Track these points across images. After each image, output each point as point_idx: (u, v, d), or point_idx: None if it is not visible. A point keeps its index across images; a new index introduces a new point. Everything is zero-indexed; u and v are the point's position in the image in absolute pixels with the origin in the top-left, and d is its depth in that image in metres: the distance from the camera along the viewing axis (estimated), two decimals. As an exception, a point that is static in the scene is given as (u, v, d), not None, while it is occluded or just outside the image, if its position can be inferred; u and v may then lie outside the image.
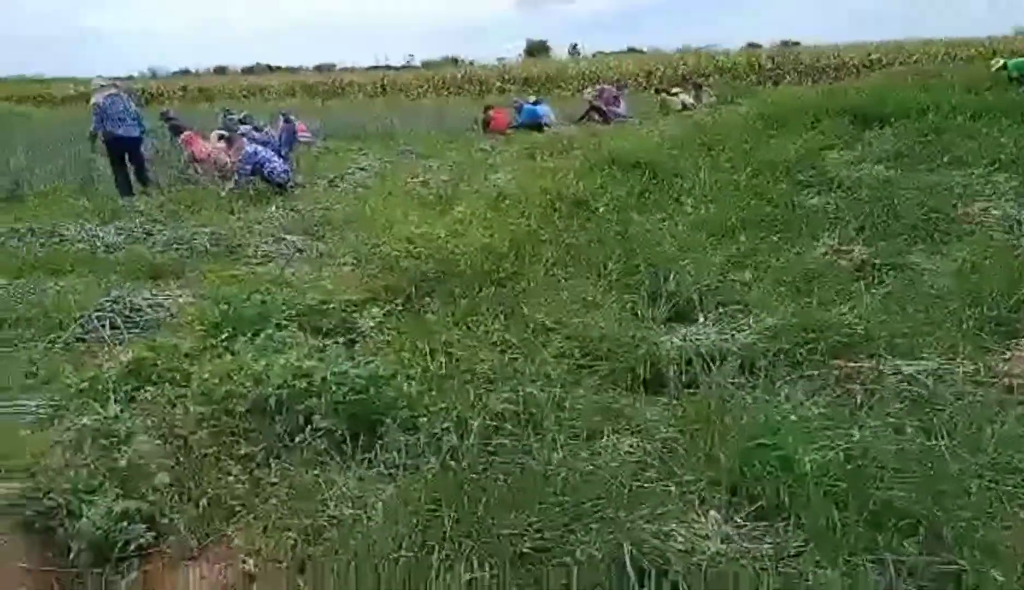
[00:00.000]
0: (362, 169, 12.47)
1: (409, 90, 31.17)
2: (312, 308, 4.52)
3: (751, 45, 45.42)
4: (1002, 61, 17.40)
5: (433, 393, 3.46)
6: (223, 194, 10.18)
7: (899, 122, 12.05)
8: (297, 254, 7.06)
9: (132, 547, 2.63)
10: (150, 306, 5.42)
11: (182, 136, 12.94)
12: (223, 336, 4.18)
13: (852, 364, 3.81)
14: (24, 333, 5.11)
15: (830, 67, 26.97)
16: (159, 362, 3.83)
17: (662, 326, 4.55)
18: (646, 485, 2.74)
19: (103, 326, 5.14)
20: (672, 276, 4.97)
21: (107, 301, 5.43)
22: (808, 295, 4.89)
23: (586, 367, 3.89)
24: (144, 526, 2.70)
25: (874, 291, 4.94)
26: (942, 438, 3.03)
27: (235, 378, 3.50)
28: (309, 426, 3.26)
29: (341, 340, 4.18)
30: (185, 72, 53.45)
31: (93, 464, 2.87)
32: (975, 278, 4.95)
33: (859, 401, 3.41)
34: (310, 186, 11.07)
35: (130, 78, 47.20)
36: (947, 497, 2.59)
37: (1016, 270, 4.86)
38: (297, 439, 3.23)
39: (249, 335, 4.18)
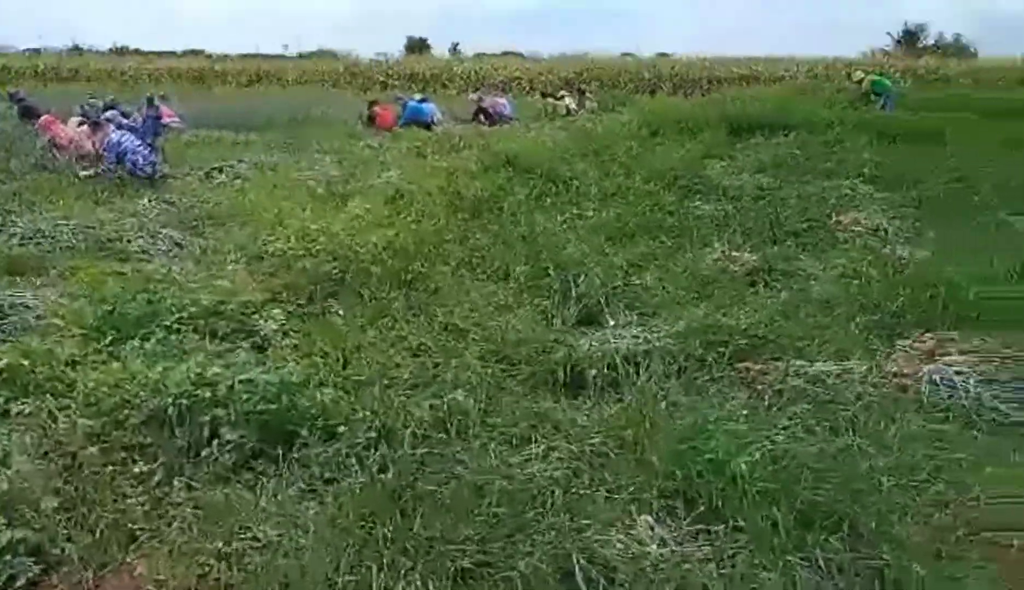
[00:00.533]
0: (241, 161, 11.82)
1: (287, 81, 30.01)
2: (207, 309, 4.20)
3: (625, 55, 47.05)
4: (861, 75, 18.78)
5: (351, 400, 3.28)
6: (81, 177, 9.41)
7: (772, 134, 12.80)
8: (176, 250, 6.60)
9: (19, 582, 2.32)
10: (11, 307, 4.87)
11: (40, 120, 11.86)
12: (106, 340, 3.81)
13: (758, 366, 3.95)
14: None
15: (703, 79, 28.25)
16: (35, 370, 3.43)
17: (573, 329, 4.56)
18: (582, 492, 2.70)
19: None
20: (581, 279, 4.99)
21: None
22: (707, 299, 5.05)
23: (505, 371, 3.82)
24: (31, 558, 2.39)
25: (768, 296, 5.16)
26: (849, 437, 3.19)
27: (127, 387, 3.19)
28: (216, 439, 3.01)
29: (243, 344, 3.91)
30: (35, 51, 49.20)
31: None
32: (856, 284, 5.28)
33: (767, 402, 3.53)
34: (183, 177, 10.40)
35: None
36: (863, 495, 2.71)
37: (891, 277, 5.23)
38: (203, 454, 2.97)
39: (137, 339, 3.84)
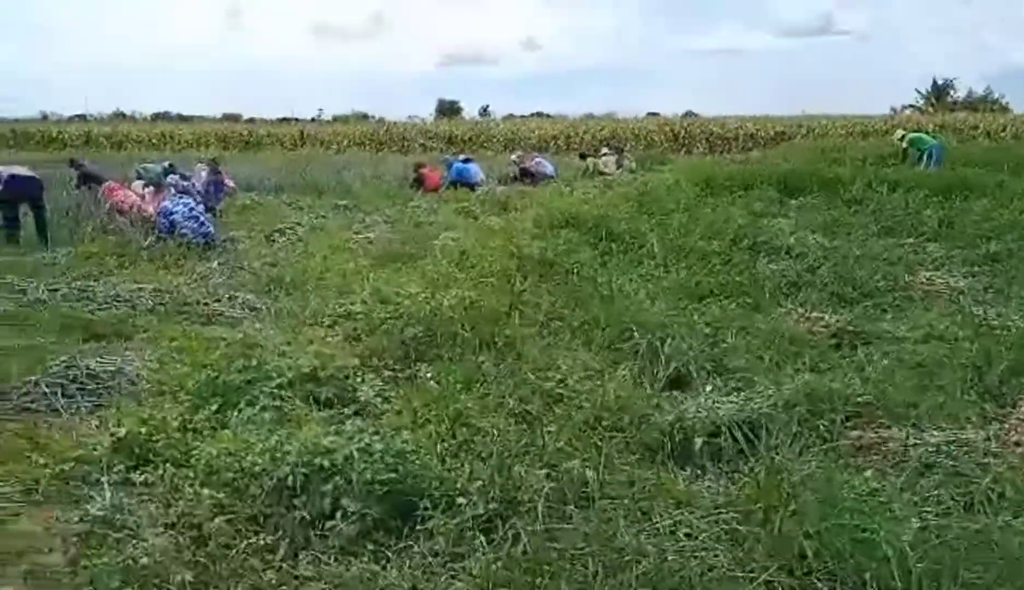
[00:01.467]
0: (298, 223, 12.07)
1: (329, 143, 30.79)
2: (305, 375, 4.21)
3: (651, 114, 47.61)
4: (901, 133, 18.70)
5: (468, 470, 3.23)
6: (145, 244, 9.65)
7: (820, 192, 12.77)
8: (253, 314, 6.67)
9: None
10: (105, 372, 4.94)
11: (104, 186, 12.23)
12: (213, 407, 3.82)
13: (870, 434, 3.83)
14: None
15: (737, 138, 28.44)
16: (152, 438, 3.44)
17: (664, 393, 4.49)
18: (722, 573, 2.60)
19: (54, 393, 4.65)
20: (667, 342, 4.93)
21: (55, 365, 4.92)
22: (796, 361, 4.95)
23: (612, 437, 3.75)
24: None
25: (858, 359, 5.04)
26: (986, 512, 3.05)
27: (244, 456, 3.18)
28: (339, 511, 2.97)
29: (345, 410, 3.90)
30: (81, 117, 51.22)
31: (108, 563, 2.49)
32: (949, 346, 5.15)
33: (893, 473, 3.40)
34: (246, 240, 10.63)
35: (16, 121, 44.82)
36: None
37: (991, 340, 5.09)
38: (327, 525, 2.93)
39: (242, 405, 3.85)
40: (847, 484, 2.97)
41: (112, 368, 4.99)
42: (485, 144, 29.72)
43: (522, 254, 7.49)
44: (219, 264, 8.33)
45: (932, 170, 15.97)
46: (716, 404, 4.13)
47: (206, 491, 3.04)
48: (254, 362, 4.21)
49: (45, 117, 51.95)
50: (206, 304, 6.79)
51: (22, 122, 42.93)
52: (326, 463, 3.13)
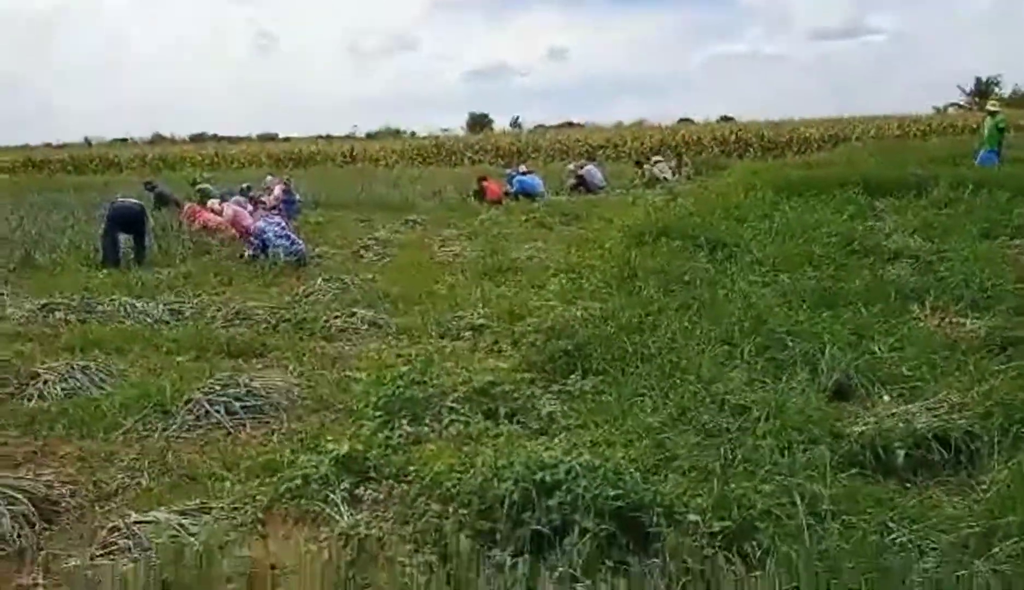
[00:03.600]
0: (376, 239, 12.17)
1: (378, 159, 31.10)
2: (478, 389, 4.20)
3: (683, 120, 47.22)
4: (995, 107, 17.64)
5: (689, 486, 3.17)
6: (247, 257, 9.85)
7: (903, 193, 12.50)
8: (374, 329, 6.71)
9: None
10: (259, 388, 4.98)
11: (187, 207, 12.49)
12: (403, 422, 3.83)
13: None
14: (126, 420, 4.64)
15: (790, 141, 28.12)
16: (367, 455, 3.44)
17: (834, 404, 4.39)
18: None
19: (218, 411, 4.71)
20: (827, 351, 4.84)
21: (213, 383, 4.99)
22: (959, 369, 4.81)
23: (804, 450, 3.67)
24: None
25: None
26: None
27: (469, 471, 3.16)
28: (572, 527, 2.93)
29: (530, 424, 3.88)
30: (122, 141, 52.51)
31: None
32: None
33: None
34: (332, 256, 10.74)
35: (64, 147, 46.04)
36: None
37: None
38: (564, 542, 2.89)
39: (427, 420, 3.86)
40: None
41: (266, 385, 5.04)
42: (532, 155, 29.77)
43: (633, 264, 7.42)
44: (323, 281, 8.38)
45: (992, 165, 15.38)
46: (898, 415, 4.03)
47: (434, 506, 3.02)
48: (427, 378, 4.21)
49: (89, 142, 53.37)
50: (326, 321, 6.84)
51: (69, 147, 44.15)
52: (548, 478, 3.10)
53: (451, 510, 2.99)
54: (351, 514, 3.01)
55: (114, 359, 5.86)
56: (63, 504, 3.54)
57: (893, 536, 2.93)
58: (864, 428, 3.86)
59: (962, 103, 55.47)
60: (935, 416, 3.91)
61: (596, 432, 3.74)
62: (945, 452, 3.66)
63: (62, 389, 5.17)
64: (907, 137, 25.98)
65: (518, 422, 3.96)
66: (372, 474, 3.35)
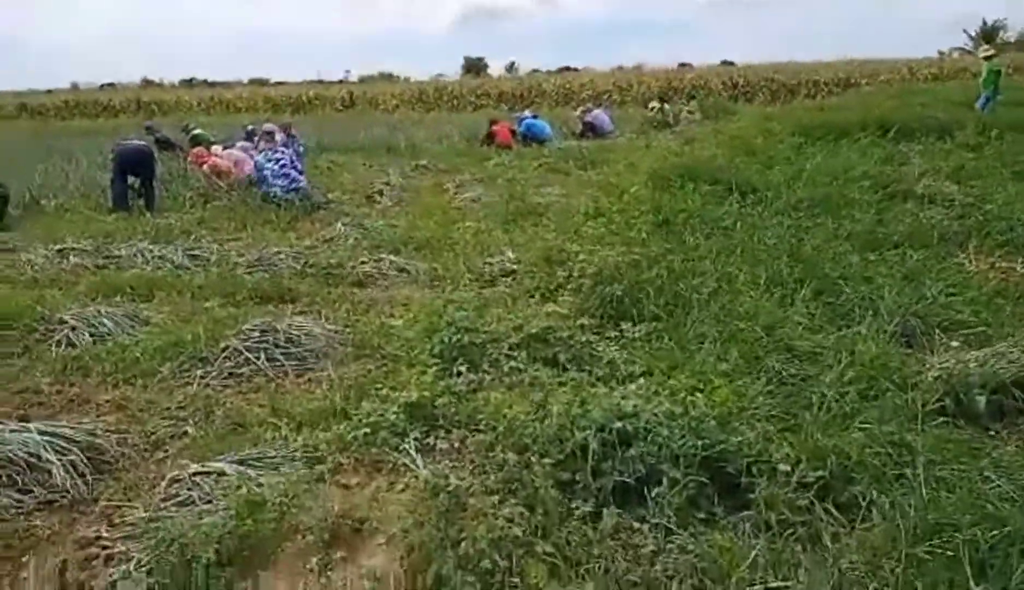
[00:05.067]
0: (388, 184, 11.88)
1: (378, 103, 30.46)
2: (534, 335, 4.03)
3: (683, 65, 46.28)
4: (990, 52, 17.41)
5: (776, 435, 3.03)
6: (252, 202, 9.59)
7: (926, 138, 12.24)
8: (404, 275, 6.52)
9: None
10: (297, 335, 4.81)
11: (193, 152, 12.13)
12: (461, 369, 3.67)
13: None
14: (162, 367, 4.48)
15: (800, 84, 27.58)
16: (435, 403, 3.29)
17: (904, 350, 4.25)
18: None
19: (258, 358, 4.54)
20: (887, 296, 4.68)
21: (249, 329, 4.82)
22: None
23: (881, 397, 3.53)
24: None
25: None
26: None
27: (545, 420, 3.01)
28: (662, 476, 2.80)
29: (597, 373, 3.72)
30: (111, 86, 51.27)
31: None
32: None
33: None
34: (346, 201, 10.46)
35: (49, 92, 44.86)
36: None
37: None
38: (655, 493, 2.76)
39: (486, 367, 3.70)
40: None
41: (304, 332, 4.87)
42: (536, 100, 29.19)
43: (665, 208, 7.20)
44: (343, 226, 8.15)
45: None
46: (969, 361, 3.88)
47: (512, 455, 2.88)
48: (481, 325, 4.04)
49: (76, 86, 52.13)
50: (353, 267, 6.64)
51: (55, 93, 43.01)
52: (628, 427, 2.96)
53: (530, 459, 2.84)
54: (427, 464, 2.86)
55: (139, 305, 5.68)
56: (111, 453, 3.39)
57: (992, 487, 2.80)
58: (939, 374, 3.71)
59: (968, 47, 54.57)
60: (1010, 362, 3.77)
61: (666, 379, 3.57)
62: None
63: (91, 335, 4.99)
64: (916, 81, 25.48)
65: (580, 369, 3.80)
66: (441, 422, 3.20)
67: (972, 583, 2.16)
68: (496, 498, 2.61)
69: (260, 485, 2.77)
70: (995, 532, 2.41)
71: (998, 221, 6.81)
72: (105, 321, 5.14)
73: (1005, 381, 3.59)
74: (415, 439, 3.06)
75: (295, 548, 2.45)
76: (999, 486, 2.75)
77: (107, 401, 4.10)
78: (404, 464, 2.90)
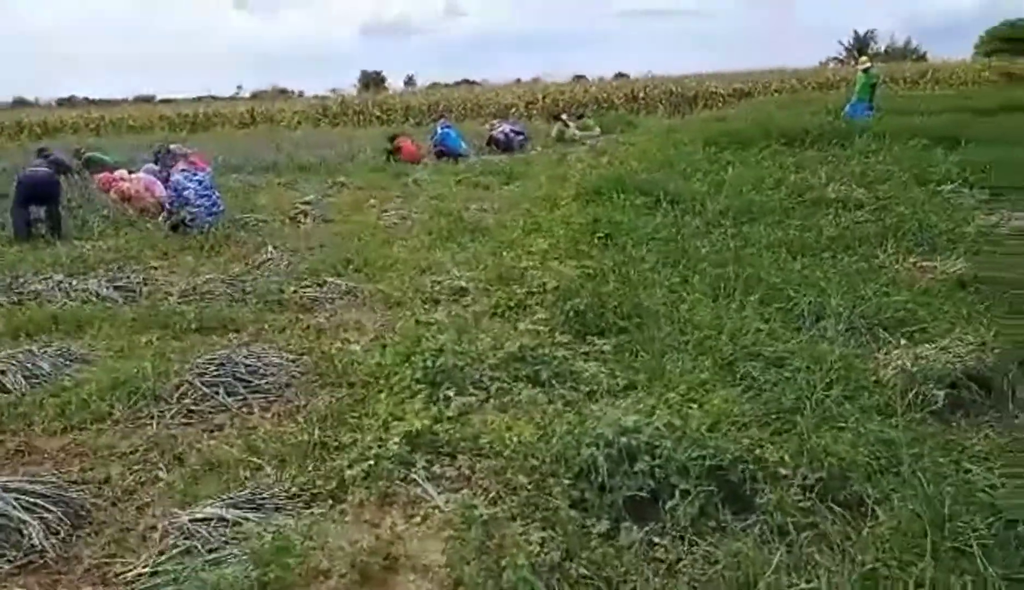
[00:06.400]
0: (308, 204, 11.58)
1: (279, 120, 29.67)
2: (511, 355, 4.03)
3: (578, 77, 47.36)
4: (868, 64, 18.64)
5: (766, 442, 3.14)
6: (165, 230, 9.13)
7: (823, 144, 13.01)
8: (349, 297, 6.37)
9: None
10: (253, 365, 4.63)
11: (99, 177, 11.48)
12: (447, 393, 3.62)
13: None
14: (113, 408, 4.22)
15: (696, 96, 28.72)
16: (433, 430, 3.22)
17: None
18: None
19: (215, 393, 4.34)
20: (832, 299, 4.93)
21: (203, 363, 4.60)
22: (955, 311, 4.98)
23: (851, 397, 3.72)
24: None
25: None
26: None
27: (551, 440, 3.02)
28: (673, 488, 2.85)
29: (575, 389, 3.76)
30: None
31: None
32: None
33: None
34: (267, 223, 10.12)
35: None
36: None
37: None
38: (668, 505, 2.81)
39: (470, 389, 3.68)
40: None
41: (257, 362, 4.69)
42: (445, 114, 29.15)
43: (602, 221, 7.35)
44: (273, 249, 7.90)
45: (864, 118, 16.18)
46: (917, 358, 4.14)
47: (522, 479, 2.87)
48: (460, 347, 4.00)
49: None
50: (295, 291, 6.44)
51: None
52: (633, 442, 3.01)
53: (541, 481, 2.84)
54: (439, 493, 2.81)
55: (69, 343, 5.32)
56: (83, 506, 3.16)
57: (974, 476, 2.99)
58: (894, 372, 3.95)
59: (842, 57, 58.30)
60: (956, 356, 4.04)
61: (651, 392, 3.64)
62: (981, 392, 3.79)
63: (24, 377, 4.64)
64: (805, 90, 27.05)
65: (563, 385, 3.82)
66: (444, 449, 3.15)
67: (987, 569, 2.31)
68: (519, 523, 2.59)
69: (275, 528, 2.63)
70: (991, 518, 2.58)
71: (911, 222, 7.30)
72: (38, 362, 4.79)
73: (958, 375, 3.84)
74: (422, 469, 3.00)
75: (324, 592, 2.35)
76: (983, 476, 2.94)
77: (59, 449, 3.82)
78: (417, 495, 2.84)
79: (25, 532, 2.89)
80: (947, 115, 16.22)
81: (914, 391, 3.74)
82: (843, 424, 3.29)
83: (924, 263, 6.24)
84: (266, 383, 4.49)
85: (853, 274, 5.76)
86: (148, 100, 49.55)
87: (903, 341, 4.42)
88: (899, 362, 4.08)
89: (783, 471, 2.97)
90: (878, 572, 2.32)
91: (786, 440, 3.17)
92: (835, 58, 58.46)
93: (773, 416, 3.41)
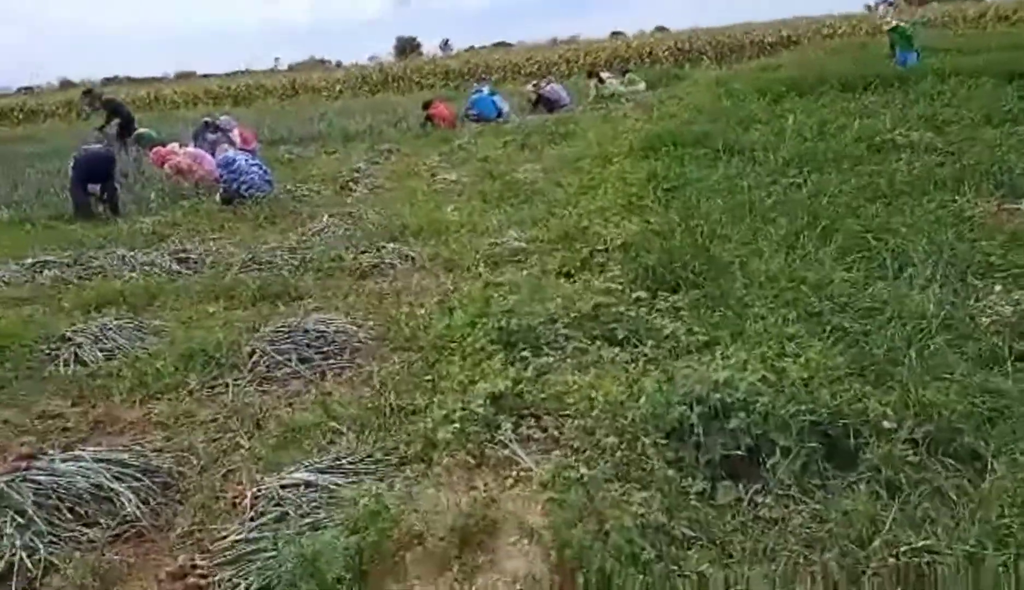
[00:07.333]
0: (357, 172, 11.55)
1: (320, 90, 29.68)
2: (586, 314, 3.92)
3: (615, 34, 46.28)
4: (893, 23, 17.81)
5: (867, 396, 2.98)
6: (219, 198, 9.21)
7: (886, 89, 12.43)
8: (409, 264, 6.30)
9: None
10: (326, 332, 4.60)
11: (153, 151, 11.58)
12: (524, 354, 3.54)
13: None
14: (188, 377, 4.24)
15: (742, 46, 27.83)
16: (522, 394, 3.14)
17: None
18: None
19: (288, 360, 4.33)
20: (920, 245, 4.70)
21: (273, 331, 4.60)
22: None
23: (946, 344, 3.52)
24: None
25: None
26: None
27: (639, 399, 2.91)
28: (773, 446, 2.73)
29: (665, 346, 3.63)
30: (29, 89, 48.81)
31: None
32: None
33: None
34: (318, 192, 10.12)
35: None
36: None
37: None
38: (769, 463, 2.69)
39: (546, 349, 3.59)
40: None
41: (325, 328, 4.66)
42: (484, 76, 28.81)
43: (663, 175, 7.14)
44: (329, 217, 7.88)
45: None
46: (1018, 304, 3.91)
47: (611, 439, 2.77)
48: (535, 307, 3.91)
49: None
50: (354, 258, 6.40)
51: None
52: (727, 399, 2.88)
53: (632, 441, 2.74)
54: (529, 455, 2.74)
55: (139, 316, 5.37)
56: (170, 474, 3.17)
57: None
58: (992, 320, 3.73)
59: (892, 1, 55.85)
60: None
61: (740, 347, 3.49)
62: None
63: (100, 351, 4.69)
64: (856, 36, 25.99)
65: (641, 343, 3.70)
66: (529, 410, 3.07)
67: None
68: (616, 485, 2.50)
69: (368, 492, 2.58)
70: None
71: (987, 164, 6.93)
72: (113, 335, 4.84)
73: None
74: (507, 430, 2.92)
75: (422, 557, 2.29)
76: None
77: (139, 419, 3.85)
78: (506, 457, 2.77)
79: (117, 502, 2.90)
80: (1015, 52, 15.39)
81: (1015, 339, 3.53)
82: (947, 375, 3.10)
83: (1008, 206, 5.92)
84: (336, 349, 4.46)
85: (933, 220, 5.49)
86: (189, 76, 49.99)
87: (997, 287, 4.18)
88: (997, 309, 3.86)
89: (888, 425, 2.81)
90: (1007, 527, 2.18)
91: (887, 393, 3.00)
92: (887, 2, 56.10)
93: (871, 368, 3.24)
